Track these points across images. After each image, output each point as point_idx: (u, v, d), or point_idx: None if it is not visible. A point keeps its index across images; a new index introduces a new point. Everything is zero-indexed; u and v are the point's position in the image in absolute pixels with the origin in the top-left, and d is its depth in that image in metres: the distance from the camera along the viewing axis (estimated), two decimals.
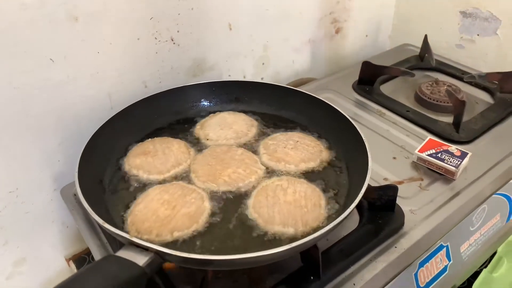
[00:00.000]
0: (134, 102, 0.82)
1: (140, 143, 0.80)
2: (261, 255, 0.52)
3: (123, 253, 0.52)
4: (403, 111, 1.03)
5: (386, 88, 1.13)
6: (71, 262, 0.98)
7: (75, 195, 0.82)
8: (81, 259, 0.99)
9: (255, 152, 0.79)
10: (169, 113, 0.87)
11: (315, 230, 0.63)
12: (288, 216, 0.63)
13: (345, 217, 0.58)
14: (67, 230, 0.97)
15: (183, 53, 0.94)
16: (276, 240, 0.62)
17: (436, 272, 0.76)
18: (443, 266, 0.78)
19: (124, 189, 0.71)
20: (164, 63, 0.93)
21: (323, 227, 0.62)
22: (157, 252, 0.52)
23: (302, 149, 0.77)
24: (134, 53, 0.87)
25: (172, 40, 0.91)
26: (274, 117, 0.89)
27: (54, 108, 0.80)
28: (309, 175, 0.74)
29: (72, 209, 0.80)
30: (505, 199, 0.88)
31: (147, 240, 0.57)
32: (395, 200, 0.73)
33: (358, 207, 0.78)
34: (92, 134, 0.73)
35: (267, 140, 0.80)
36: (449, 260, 0.78)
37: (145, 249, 0.53)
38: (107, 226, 0.56)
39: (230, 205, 0.68)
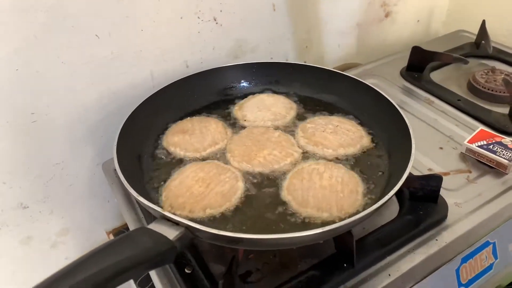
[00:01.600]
0: (174, 81, 0.83)
1: (179, 121, 0.81)
2: (292, 236, 0.51)
3: (154, 226, 0.52)
4: (453, 100, 0.97)
5: (437, 76, 1.07)
6: (111, 235, 1.02)
7: (115, 170, 0.84)
8: (120, 232, 1.02)
9: (292, 135, 0.77)
10: (209, 93, 0.87)
11: (351, 216, 0.61)
12: (323, 200, 0.61)
13: (382, 204, 0.56)
14: (108, 205, 1.00)
15: (225, 33, 0.94)
16: (309, 224, 0.60)
17: (480, 270, 0.72)
18: (489, 263, 0.73)
19: (161, 165, 0.72)
20: (206, 43, 0.92)
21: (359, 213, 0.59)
22: (188, 227, 0.52)
23: (341, 134, 0.74)
24: (176, 32, 0.87)
25: (215, 19, 0.91)
26: (314, 101, 0.86)
27: (98, 83, 0.82)
28: (348, 161, 0.72)
29: (112, 183, 0.83)
30: None
31: (179, 215, 0.57)
32: (439, 191, 0.70)
33: (398, 196, 0.75)
34: (132, 110, 0.74)
35: (306, 123, 0.78)
36: (496, 258, 0.73)
37: (176, 223, 0.53)
38: (141, 199, 0.56)
39: (264, 186, 0.67)
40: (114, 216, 1.02)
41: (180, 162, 0.72)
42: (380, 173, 0.70)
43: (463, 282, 0.70)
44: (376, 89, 0.80)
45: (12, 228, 0.89)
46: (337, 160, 0.72)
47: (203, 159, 0.72)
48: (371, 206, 0.63)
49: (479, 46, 1.16)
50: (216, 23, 0.91)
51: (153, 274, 0.66)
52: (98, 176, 0.93)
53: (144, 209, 0.75)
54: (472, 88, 1.01)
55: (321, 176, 0.65)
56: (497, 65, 1.10)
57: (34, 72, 0.75)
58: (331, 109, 0.84)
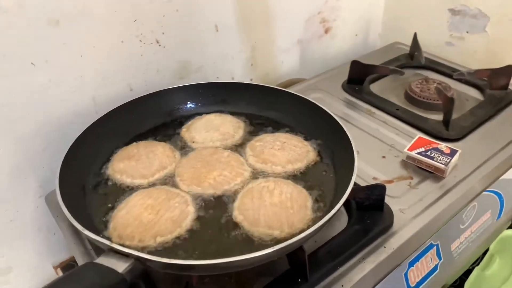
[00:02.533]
0: (117, 106, 0.81)
1: (125, 147, 0.79)
2: (244, 258, 0.51)
3: (103, 260, 0.50)
4: (392, 110, 1.02)
5: (376, 87, 1.13)
6: (58, 270, 0.97)
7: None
8: (69, 266, 0.97)
9: (241, 154, 0.78)
10: (155, 116, 0.86)
11: (301, 231, 0.61)
12: (274, 218, 0.62)
13: (330, 218, 0.57)
14: (54, 238, 0.95)
15: (168, 55, 0.93)
16: (262, 243, 0.61)
17: (426, 271, 0.75)
18: (434, 265, 0.77)
19: (107, 194, 0.70)
20: (149, 65, 0.91)
21: (309, 228, 0.61)
22: (138, 259, 0.51)
23: (289, 150, 0.76)
24: (118, 56, 0.86)
25: (158, 42, 0.90)
26: (261, 118, 0.88)
27: (36, 112, 0.79)
28: (296, 176, 0.73)
29: (56, 215, 0.79)
30: (496, 196, 0.87)
31: (129, 246, 0.56)
32: (383, 199, 0.72)
33: (346, 207, 0.77)
34: (75, 139, 0.72)
35: (254, 142, 0.79)
36: (440, 259, 0.77)
37: (126, 255, 0.51)
38: (86, 232, 0.54)
39: (215, 208, 0.67)
40: (61, 249, 0.97)
41: (127, 189, 0.71)
42: (327, 186, 0.71)
43: (412, 285, 0.73)
44: (316, 103, 0.82)
45: None
46: (286, 176, 0.73)
47: (151, 185, 0.71)
48: (320, 219, 0.65)
49: (413, 57, 1.23)
50: (159, 45, 0.90)
51: None
52: (42, 208, 0.89)
53: (92, 242, 0.72)
54: (409, 98, 1.07)
55: (271, 193, 0.66)
56: (430, 74, 1.17)
57: None
58: (277, 126, 0.85)
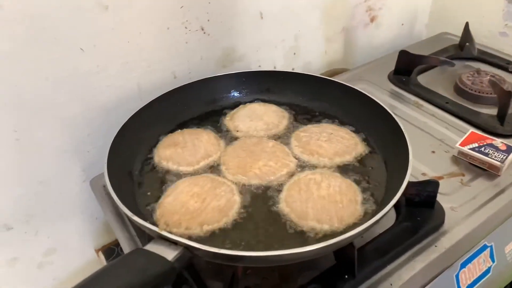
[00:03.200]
0: (162, 93, 0.81)
1: (170, 134, 0.78)
2: (295, 252, 0.49)
3: (152, 247, 0.50)
4: (442, 103, 0.97)
5: (423, 79, 1.08)
6: (100, 253, 0.98)
7: (104, 186, 0.81)
8: (110, 250, 0.99)
9: (286, 144, 0.76)
10: (198, 104, 0.85)
11: (351, 227, 0.60)
12: (322, 211, 0.60)
13: (384, 215, 0.55)
14: (96, 222, 0.97)
15: (213, 42, 0.92)
16: (310, 237, 0.59)
17: (478, 274, 0.72)
18: (486, 267, 0.73)
19: (154, 181, 0.70)
20: (193, 53, 0.91)
21: (359, 224, 0.59)
22: (187, 247, 0.50)
23: (336, 142, 0.73)
24: (163, 42, 0.85)
25: (202, 29, 0.89)
26: (306, 109, 0.86)
27: (83, 97, 0.80)
28: (344, 169, 0.71)
29: (101, 200, 0.80)
30: None
31: (176, 234, 0.55)
32: (436, 196, 0.69)
33: (395, 203, 0.74)
34: (121, 125, 0.72)
35: (299, 132, 0.77)
36: (493, 261, 0.74)
37: (174, 243, 0.51)
38: (135, 218, 0.54)
39: (261, 198, 0.65)
40: (103, 233, 0.99)
41: (173, 176, 0.70)
42: (376, 181, 0.69)
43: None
44: (366, 93, 0.79)
45: None
46: (333, 168, 0.71)
47: (197, 172, 0.70)
48: (371, 214, 0.62)
49: (463, 48, 1.17)
50: (204, 32, 0.89)
51: None
52: (85, 192, 0.90)
53: (137, 227, 0.72)
54: (459, 90, 1.02)
55: (319, 186, 0.64)
56: (482, 66, 1.11)
57: (14, 87, 0.72)
58: (323, 117, 0.83)
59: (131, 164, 0.72)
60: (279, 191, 0.66)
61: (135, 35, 0.80)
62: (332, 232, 0.59)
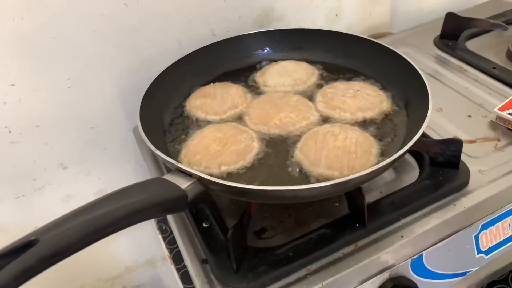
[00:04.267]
0: (200, 47, 0.85)
1: (203, 87, 0.83)
2: (295, 189, 0.52)
3: (169, 177, 0.55)
4: (488, 68, 0.93)
5: (473, 44, 1.03)
6: None
7: None
8: None
9: (311, 100, 0.77)
10: (233, 59, 0.89)
11: None
12: (335, 160, 0.62)
13: (393, 161, 0.55)
14: (141, 169, 1.06)
15: (251, 1, 0.94)
16: (319, 182, 0.61)
17: (502, 238, 0.70)
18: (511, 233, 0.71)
19: (183, 127, 0.75)
20: (232, 11, 0.94)
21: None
22: (200, 179, 0.55)
23: (361, 98, 0.74)
24: (203, 1, 0.89)
25: None
26: (337, 67, 0.86)
27: (127, 51, 0.87)
28: (365, 125, 0.71)
29: (142, 147, 0.87)
30: None
31: (196, 171, 0.60)
32: (459, 156, 0.68)
33: (419, 161, 0.74)
34: (158, 74, 0.77)
35: (326, 88, 0.78)
36: None
37: (189, 175, 0.56)
38: (158, 153, 0.60)
39: (278, 147, 0.68)
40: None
41: (201, 123, 0.75)
42: (396, 137, 0.69)
43: (483, 250, 0.69)
44: (396, 51, 0.78)
45: (54, 187, 0.96)
46: (354, 123, 0.71)
47: (223, 121, 0.74)
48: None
49: None
50: None
51: (173, 226, 0.70)
52: (131, 141, 0.98)
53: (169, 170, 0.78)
54: (511, 57, 0.96)
55: (336, 138, 0.66)
56: None
57: (68, 40, 0.80)
58: (353, 75, 0.83)
59: (164, 111, 0.78)
60: (296, 141, 0.69)
61: None
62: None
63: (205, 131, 0.71)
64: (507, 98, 0.82)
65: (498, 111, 0.78)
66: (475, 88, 0.89)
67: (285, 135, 0.70)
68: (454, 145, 0.67)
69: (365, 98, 0.74)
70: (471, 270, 0.69)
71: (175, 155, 0.69)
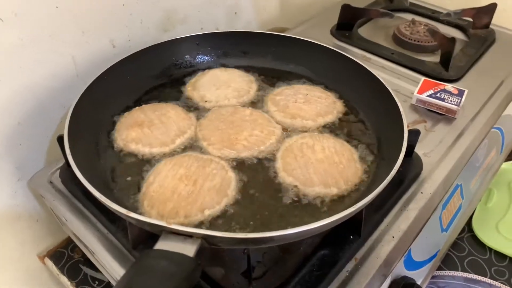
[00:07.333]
0: (106, 68, 0.68)
1: (127, 113, 0.67)
2: (323, 224, 0.45)
3: (166, 245, 0.42)
4: (388, 54, 0.99)
5: (363, 32, 1.09)
6: (46, 259, 0.85)
7: (51, 182, 0.68)
8: (58, 254, 0.85)
9: (263, 110, 0.70)
10: (151, 75, 0.75)
11: (357, 186, 0.58)
12: (326, 175, 0.57)
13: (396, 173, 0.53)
14: (37, 225, 0.83)
15: (152, 3, 0.81)
16: (321, 203, 0.55)
17: (454, 212, 0.76)
18: (459, 205, 0.77)
19: (126, 169, 0.60)
20: (132, 16, 0.78)
21: (365, 181, 0.57)
22: (204, 237, 0.44)
23: (314, 102, 0.70)
24: (98, 6, 0.72)
25: None
26: (271, 70, 0.80)
27: (7, 78, 0.64)
28: (329, 129, 0.68)
29: (52, 199, 0.67)
30: (499, 132, 0.90)
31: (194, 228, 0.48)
32: (415, 145, 0.70)
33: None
34: (72, 109, 0.59)
35: (273, 96, 0.72)
36: (462, 198, 0.79)
37: (190, 236, 0.43)
38: (133, 215, 0.45)
39: (256, 171, 0.60)
40: (45, 236, 0.85)
41: (147, 161, 0.61)
42: (366, 135, 0.67)
43: (444, 227, 0.74)
44: (334, 49, 0.77)
45: None
46: (318, 129, 0.67)
47: (174, 152, 0.61)
48: (371, 171, 0.61)
49: (393, 0, 1.20)
50: None
51: None
52: (21, 193, 0.76)
53: (107, 222, 0.61)
54: (399, 41, 1.04)
55: (313, 150, 0.61)
56: (409, 17, 1.15)
57: None
58: (291, 77, 0.79)
59: (94, 152, 0.61)
60: (272, 160, 0.61)
61: None
62: (341, 194, 0.56)
63: (161, 169, 0.57)
64: (414, 80, 0.89)
65: (418, 95, 0.84)
66: (385, 75, 0.94)
67: (257, 156, 0.61)
68: (413, 135, 0.68)
69: (318, 101, 0.70)
70: (439, 250, 0.73)
71: (134, 209, 0.54)
